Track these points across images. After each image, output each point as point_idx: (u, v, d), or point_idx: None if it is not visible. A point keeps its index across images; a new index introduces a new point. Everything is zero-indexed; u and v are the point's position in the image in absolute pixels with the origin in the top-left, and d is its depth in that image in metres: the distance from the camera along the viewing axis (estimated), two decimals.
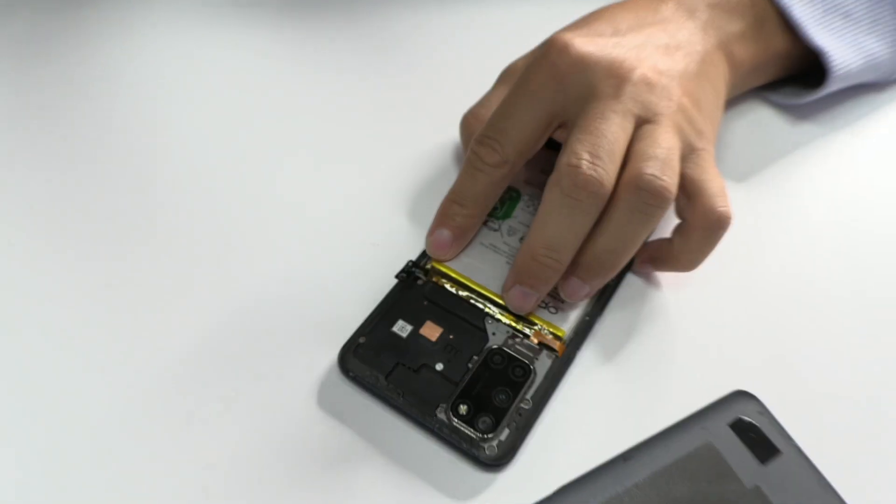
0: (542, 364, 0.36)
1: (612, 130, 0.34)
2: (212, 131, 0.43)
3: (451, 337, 0.37)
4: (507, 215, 0.41)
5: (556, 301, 0.38)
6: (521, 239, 0.40)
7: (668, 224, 0.39)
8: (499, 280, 0.38)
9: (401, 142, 0.45)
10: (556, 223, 0.34)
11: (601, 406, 0.36)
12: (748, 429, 0.32)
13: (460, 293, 0.38)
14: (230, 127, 0.43)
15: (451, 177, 0.40)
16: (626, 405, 0.36)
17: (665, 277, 0.40)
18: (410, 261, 0.39)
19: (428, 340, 0.36)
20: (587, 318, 0.38)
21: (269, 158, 0.42)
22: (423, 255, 0.40)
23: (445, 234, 0.38)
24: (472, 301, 0.38)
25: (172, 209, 0.39)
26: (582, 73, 0.35)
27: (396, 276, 0.39)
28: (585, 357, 0.37)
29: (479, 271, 0.38)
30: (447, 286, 0.38)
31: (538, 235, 0.35)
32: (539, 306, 0.38)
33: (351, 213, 0.41)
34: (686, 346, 0.38)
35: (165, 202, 0.40)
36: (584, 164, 0.34)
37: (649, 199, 0.34)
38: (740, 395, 0.34)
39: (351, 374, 0.36)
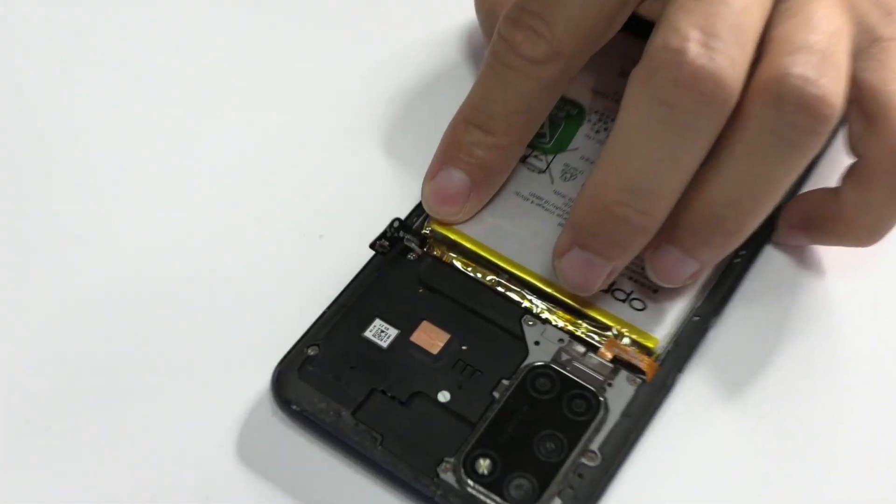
0: (620, 393, 0.33)
1: None
2: (80, 81, 0.44)
3: (463, 348, 0.34)
4: (561, 147, 0.39)
5: (642, 289, 0.35)
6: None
7: (830, 170, 0.38)
8: (546, 253, 0.35)
9: (358, 47, 0.45)
10: (643, 150, 0.30)
11: (717, 463, 0.33)
12: None
13: (479, 274, 0.36)
14: (97, 74, 0.44)
15: (456, 102, 0.37)
16: (760, 464, 0.33)
17: (827, 255, 0.38)
18: (397, 220, 0.37)
19: (425, 353, 0.34)
20: (696, 318, 0.35)
21: (144, 106, 0.43)
22: (418, 210, 0.38)
23: (456, 177, 0.35)
24: (499, 288, 0.35)
25: (34, 183, 0.40)
26: None
27: (373, 247, 0.36)
28: (692, 383, 0.35)
29: (512, 239, 0.36)
30: (458, 263, 0.36)
31: (614, 170, 0.31)
32: (615, 297, 0.35)
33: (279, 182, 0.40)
34: (860, 369, 0.35)
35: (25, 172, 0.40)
36: (693, 48, 0.29)
37: (798, 117, 0.29)
38: None
39: (293, 406, 0.33)
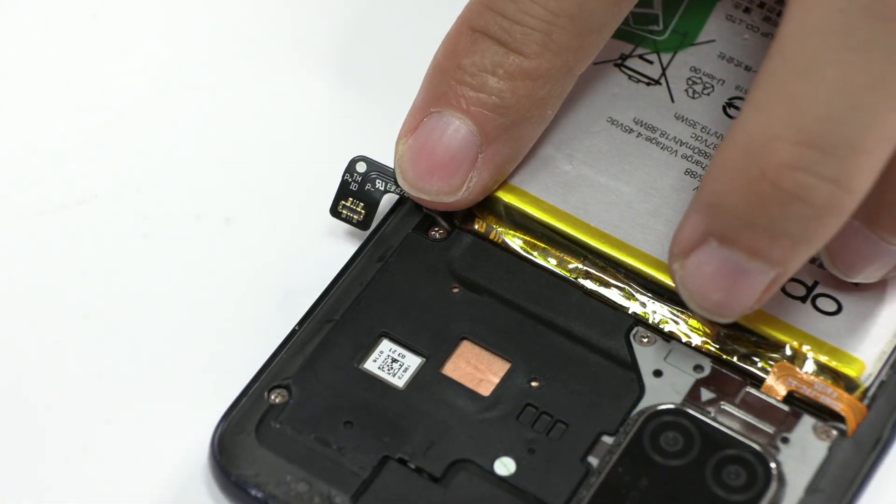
0: (803, 455, 0.34)
1: None
2: None
3: (533, 384, 0.35)
4: (685, 39, 0.40)
5: (833, 280, 0.36)
6: (731, 110, 0.40)
7: None
8: (667, 221, 0.37)
9: None
10: (839, 74, 0.32)
11: None
12: None
13: (553, 261, 0.37)
14: None
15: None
16: None
17: None
18: (359, 159, 0.38)
19: (470, 395, 0.35)
20: None
21: None
22: None
23: (455, 128, 0.36)
24: (589, 283, 0.37)
25: None
26: None
27: (334, 214, 0.38)
28: None
29: (607, 200, 0.37)
30: (514, 242, 0.37)
31: (785, 109, 0.32)
32: (788, 293, 0.36)
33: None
34: None
35: None
36: None
37: None
38: None
39: (251, 489, 0.33)
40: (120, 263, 0.40)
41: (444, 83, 0.36)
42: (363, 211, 0.37)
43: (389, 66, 0.42)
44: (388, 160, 0.38)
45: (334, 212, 0.37)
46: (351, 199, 0.37)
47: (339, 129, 0.42)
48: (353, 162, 0.37)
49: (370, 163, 0.38)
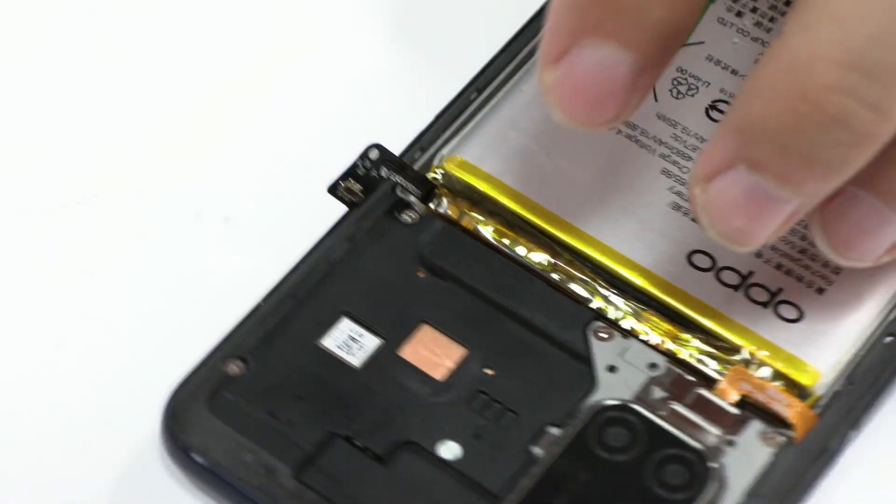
0: (747, 459, 0.34)
1: None
2: None
3: (487, 372, 0.35)
4: None
5: (798, 286, 0.36)
6: (714, 113, 0.40)
7: None
8: (640, 220, 0.37)
9: None
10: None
11: None
12: None
13: (522, 250, 0.37)
14: None
15: None
16: None
17: None
18: (374, 147, 0.38)
19: (424, 379, 0.35)
20: (888, 338, 0.36)
21: None
22: (421, 141, 0.39)
23: (609, 55, 0.35)
24: (554, 275, 0.37)
25: None
26: None
27: (333, 192, 0.38)
28: (877, 451, 0.36)
29: (583, 195, 0.38)
30: (486, 230, 0.37)
31: (831, 27, 0.32)
32: (751, 297, 0.36)
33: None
34: None
35: None
36: None
37: None
38: None
39: (196, 456, 0.33)
40: (120, 263, 0.40)
41: (596, 9, 0.35)
42: (362, 195, 0.37)
43: (400, 62, 0.42)
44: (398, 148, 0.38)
45: (333, 189, 0.38)
46: (353, 180, 0.37)
47: (341, 130, 0.42)
48: (368, 148, 0.38)
49: (384, 152, 0.38)
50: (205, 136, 0.43)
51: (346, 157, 0.39)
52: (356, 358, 0.34)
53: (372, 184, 0.37)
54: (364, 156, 0.37)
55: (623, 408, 0.34)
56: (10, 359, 0.39)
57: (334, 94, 0.44)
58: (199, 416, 0.33)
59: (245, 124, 0.43)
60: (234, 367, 0.34)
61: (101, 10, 0.48)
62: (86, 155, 0.43)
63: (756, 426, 0.33)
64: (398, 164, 0.38)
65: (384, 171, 0.37)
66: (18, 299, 0.40)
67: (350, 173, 0.38)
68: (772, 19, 0.40)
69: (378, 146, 0.38)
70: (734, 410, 0.34)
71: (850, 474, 0.35)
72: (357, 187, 0.37)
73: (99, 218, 0.41)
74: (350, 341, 0.34)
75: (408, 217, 0.37)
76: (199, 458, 0.33)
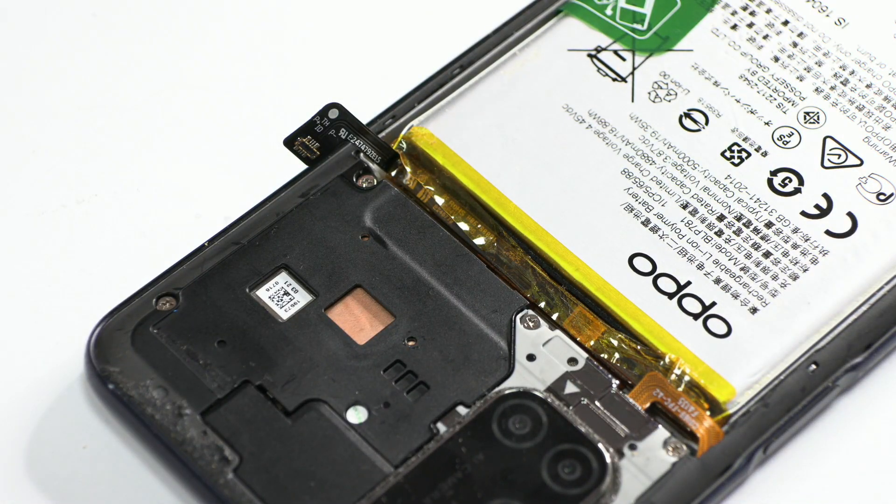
0: (646, 465, 0.34)
1: None
2: None
3: (409, 343, 0.35)
4: (664, 42, 0.40)
5: (733, 302, 0.36)
6: (687, 121, 0.40)
7: None
8: (586, 217, 0.37)
9: None
10: None
11: None
12: None
13: (468, 228, 0.37)
14: None
15: None
16: None
17: None
18: (333, 106, 0.38)
19: (346, 341, 0.35)
20: (812, 368, 0.36)
21: None
22: (395, 110, 0.39)
23: None
24: (494, 261, 0.37)
25: None
26: None
27: (289, 145, 0.37)
28: (786, 479, 0.36)
29: (539, 183, 0.38)
30: (439, 203, 0.38)
31: None
32: (684, 308, 0.36)
33: None
34: None
35: None
36: None
37: None
38: None
39: (110, 384, 0.33)
40: (119, 263, 0.40)
41: None
42: (318, 152, 0.37)
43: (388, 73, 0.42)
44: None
45: (289, 143, 0.38)
46: (310, 137, 0.37)
47: (317, 92, 0.41)
48: (327, 107, 0.37)
49: (343, 112, 0.38)
50: (205, 138, 0.43)
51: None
52: (286, 311, 0.34)
53: (330, 143, 0.37)
54: (323, 113, 0.37)
55: (527, 395, 0.34)
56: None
57: (317, 61, 0.44)
58: (121, 347, 0.33)
59: (246, 125, 0.43)
60: (166, 304, 0.34)
61: (99, 9, 0.48)
62: (87, 156, 0.43)
63: (661, 434, 0.33)
64: (357, 126, 0.38)
65: (342, 133, 0.37)
66: (17, 298, 0.40)
67: (307, 129, 0.37)
68: (765, 37, 0.39)
69: (338, 105, 0.38)
70: (643, 415, 0.34)
71: (750, 498, 0.35)
72: (315, 145, 0.37)
73: (99, 218, 0.41)
74: (283, 294, 0.34)
75: (364, 182, 0.37)
76: (112, 388, 0.33)
